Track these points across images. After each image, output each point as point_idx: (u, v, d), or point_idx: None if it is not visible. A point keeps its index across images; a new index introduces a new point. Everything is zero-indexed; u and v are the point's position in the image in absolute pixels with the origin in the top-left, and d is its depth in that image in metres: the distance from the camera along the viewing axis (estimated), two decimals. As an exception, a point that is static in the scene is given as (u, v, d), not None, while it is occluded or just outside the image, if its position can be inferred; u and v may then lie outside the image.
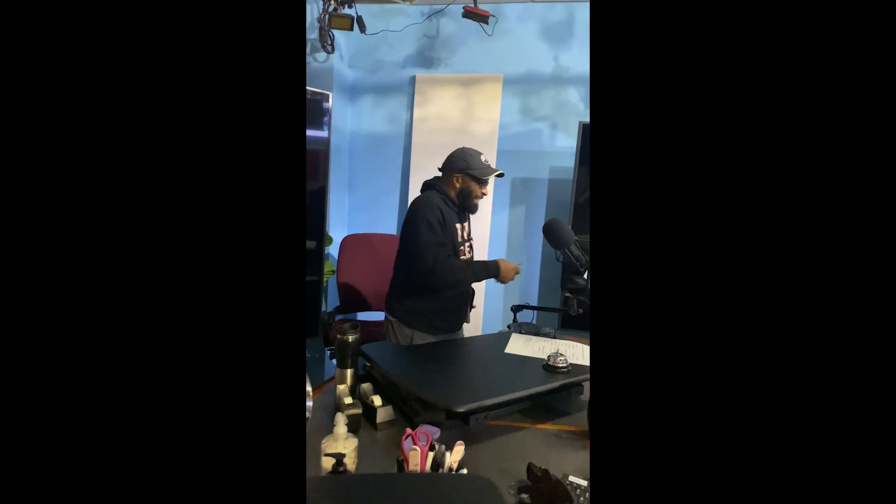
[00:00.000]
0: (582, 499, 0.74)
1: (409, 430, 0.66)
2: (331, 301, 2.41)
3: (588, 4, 2.39)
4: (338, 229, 2.57)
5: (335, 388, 1.07)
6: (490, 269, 1.45)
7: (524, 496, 0.73)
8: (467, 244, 1.53)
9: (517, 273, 1.46)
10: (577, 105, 2.45)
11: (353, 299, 2.33)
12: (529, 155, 2.51)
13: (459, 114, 2.53)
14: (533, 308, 1.49)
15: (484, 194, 1.48)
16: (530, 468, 0.78)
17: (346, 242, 2.41)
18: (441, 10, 2.49)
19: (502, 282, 1.46)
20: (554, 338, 1.33)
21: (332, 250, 2.46)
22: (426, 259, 1.36)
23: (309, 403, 0.67)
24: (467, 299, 1.55)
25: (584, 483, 0.76)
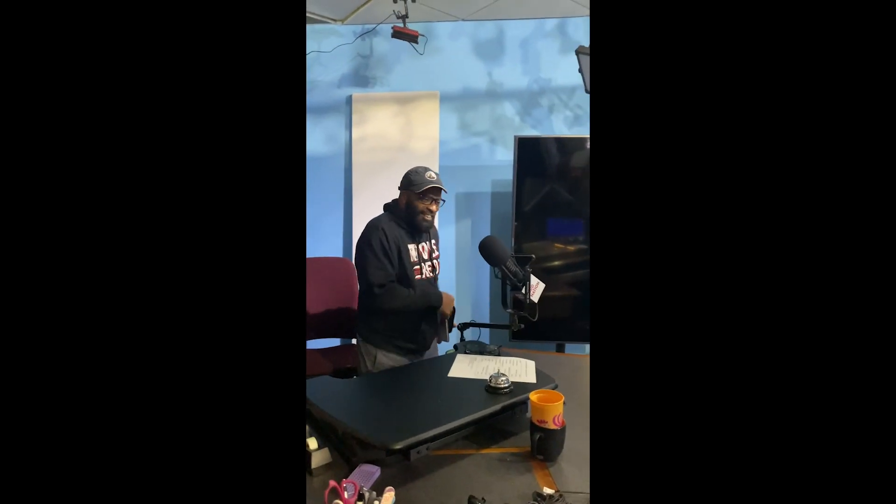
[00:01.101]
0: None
1: (332, 482, 0.62)
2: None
3: (515, 22, 2.47)
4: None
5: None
6: (433, 299, 1.45)
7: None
8: (426, 264, 1.50)
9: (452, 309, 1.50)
10: (512, 119, 2.51)
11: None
12: (471, 170, 2.54)
13: (399, 132, 2.52)
14: (478, 325, 1.49)
15: (429, 210, 1.44)
16: (471, 501, 0.75)
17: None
18: (373, 30, 2.48)
19: (443, 313, 1.48)
20: (498, 355, 1.33)
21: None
22: (367, 282, 1.38)
23: None
24: (432, 320, 1.49)
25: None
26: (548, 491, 0.80)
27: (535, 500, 0.78)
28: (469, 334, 1.46)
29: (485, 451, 0.97)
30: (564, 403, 0.95)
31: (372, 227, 1.42)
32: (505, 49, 2.48)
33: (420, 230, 1.47)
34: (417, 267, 1.46)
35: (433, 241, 1.57)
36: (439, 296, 1.47)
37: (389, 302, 1.38)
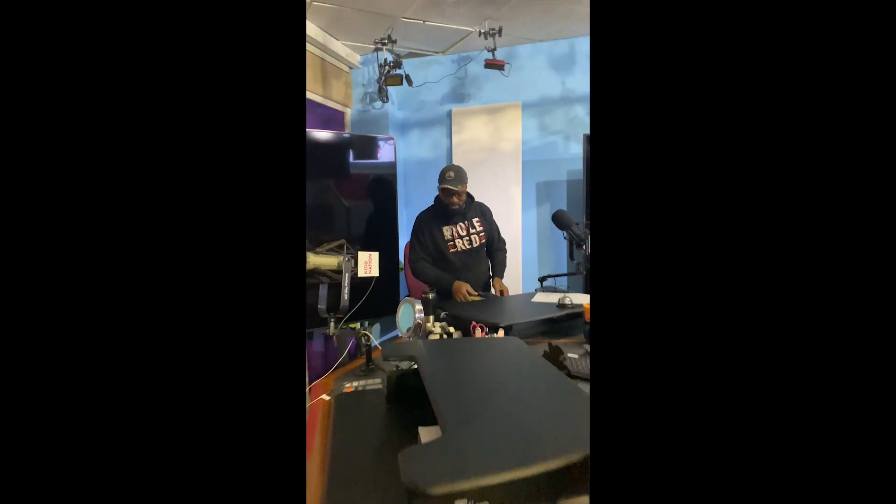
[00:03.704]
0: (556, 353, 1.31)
1: (474, 322, 1.27)
2: (402, 291, 3.09)
3: (584, 38, 2.95)
4: (400, 237, 3.26)
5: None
6: (445, 283, 2.00)
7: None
8: (462, 239, 2.10)
9: (465, 296, 1.92)
10: (583, 119, 3.01)
11: (415, 287, 3.00)
12: (549, 163, 3.09)
13: (489, 136, 3.16)
14: (552, 276, 2.07)
15: (451, 202, 2.02)
16: (551, 346, 1.36)
17: (407, 247, 3.08)
18: (468, 57, 3.14)
19: (456, 297, 1.93)
20: (566, 293, 1.90)
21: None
22: (408, 257, 2.13)
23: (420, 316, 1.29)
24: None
25: (576, 356, 1.34)
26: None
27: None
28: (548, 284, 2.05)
29: (554, 341, 1.57)
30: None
31: (416, 220, 2.14)
32: (576, 61, 2.99)
33: (453, 215, 2.08)
34: (451, 243, 2.08)
35: (474, 220, 2.12)
36: (449, 282, 1.99)
37: (416, 274, 2.09)
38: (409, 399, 1.05)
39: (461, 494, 0.61)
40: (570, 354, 1.35)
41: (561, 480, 0.65)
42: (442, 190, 2.04)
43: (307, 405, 1.11)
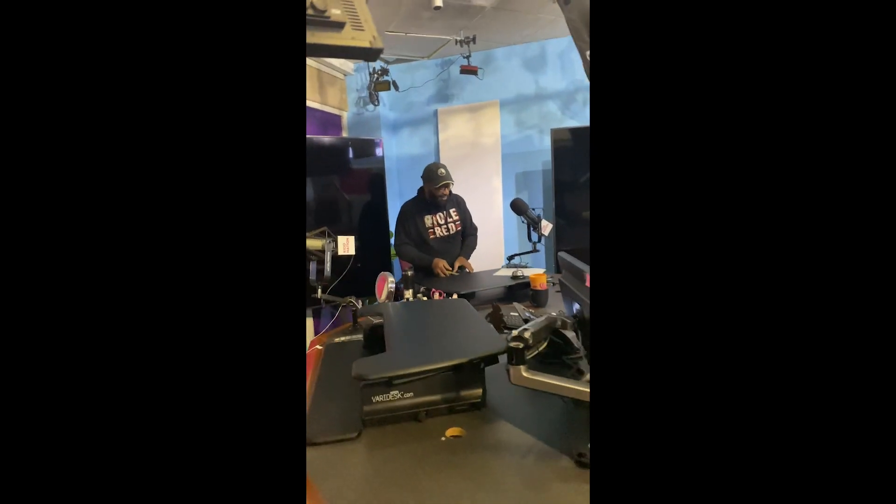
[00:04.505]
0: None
1: (433, 289, 1.64)
2: (396, 273, 3.47)
3: (554, 40, 3.25)
4: (391, 226, 3.63)
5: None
6: (426, 261, 2.34)
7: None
8: (441, 227, 2.43)
9: (443, 270, 2.27)
10: (555, 114, 3.32)
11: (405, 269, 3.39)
12: (525, 155, 3.41)
13: (471, 133, 3.49)
14: (517, 255, 2.43)
15: (443, 194, 2.36)
16: (493, 312, 1.72)
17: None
18: (450, 61, 3.46)
19: (435, 271, 2.27)
20: (525, 267, 2.26)
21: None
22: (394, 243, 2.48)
23: (391, 284, 1.66)
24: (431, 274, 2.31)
25: (515, 314, 1.70)
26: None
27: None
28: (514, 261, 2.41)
29: (502, 305, 1.94)
30: (549, 281, 1.86)
31: (401, 209, 2.49)
32: (547, 62, 3.29)
33: (439, 206, 2.42)
34: (431, 230, 2.40)
35: (451, 210, 2.45)
36: (429, 260, 2.31)
37: (401, 255, 2.46)
38: (378, 344, 1.42)
39: (390, 381, 0.99)
40: (510, 313, 1.71)
41: (459, 376, 1.02)
42: (438, 186, 2.40)
43: (306, 351, 1.49)
